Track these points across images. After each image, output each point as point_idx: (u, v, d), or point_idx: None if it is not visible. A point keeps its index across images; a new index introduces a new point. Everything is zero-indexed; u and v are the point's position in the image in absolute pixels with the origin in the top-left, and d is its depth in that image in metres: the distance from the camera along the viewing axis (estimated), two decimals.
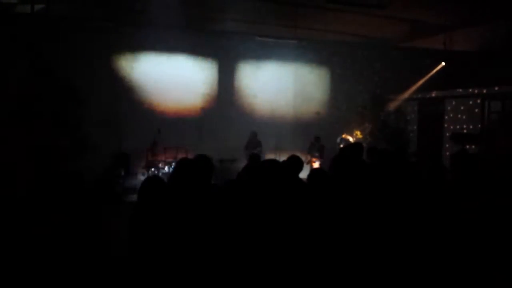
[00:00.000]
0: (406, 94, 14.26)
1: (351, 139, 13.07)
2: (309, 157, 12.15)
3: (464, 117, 12.78)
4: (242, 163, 9.92)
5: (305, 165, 5.25)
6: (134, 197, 9.97)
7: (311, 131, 12.85)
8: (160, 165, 11.76)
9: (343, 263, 3.85)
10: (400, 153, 6.81)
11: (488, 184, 5.13)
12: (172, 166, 10.74)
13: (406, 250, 4.03)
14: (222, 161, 11.54)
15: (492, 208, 4.51)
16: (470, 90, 12.51)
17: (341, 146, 12.82)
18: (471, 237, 4.20)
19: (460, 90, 12.79)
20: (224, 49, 13.03)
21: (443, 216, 4.30)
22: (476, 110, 12.44)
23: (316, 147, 12.39)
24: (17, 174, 8.78)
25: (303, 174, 4.69)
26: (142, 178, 10.75)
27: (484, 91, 12.18)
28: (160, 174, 11.11)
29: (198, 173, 4.08)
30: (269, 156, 11.49)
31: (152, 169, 11.57)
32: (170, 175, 4.23)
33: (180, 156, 11.16)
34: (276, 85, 13.79)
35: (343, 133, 13.21)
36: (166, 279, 3.63)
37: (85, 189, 4.38)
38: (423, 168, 5.47)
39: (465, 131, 12.74)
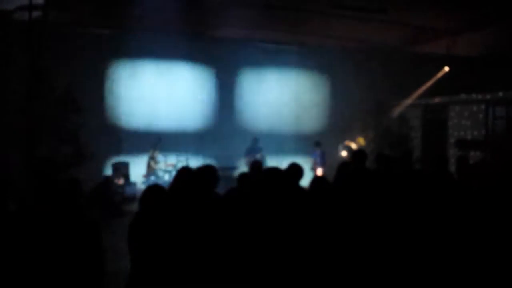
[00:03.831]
0: (409, 100, 14.14)
1: (353, 145, 12.93)
2: (313, 163, 11.99)
3: (468, 123, 12.64)
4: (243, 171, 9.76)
5: (309, 171, 5.15)
6: (133, 206, 9.89)
7: (314, 138, 12.70)
8: (160, 173, 11.65)
9: (344, 269, 3.77)
10: (405, 160, 6.70)
11: (493, 190, 5.05)
12: (172, 175, 10.62)
13: (410, 255, 3.95)
14: (223, 169, 11.40)
15: (497, 214, 4.42)
16: (474, 95, 12.38)
17: (344, 152, 12.68)
18: (476, 242, 4.13)
19: (464, 95, 12.67)
20: (224, 56, 12.91)
21: (449, 222, 4.23)
22: (480, 115, 12.30)
23: (317, 153, 12.21)
24: (15, 183, 8.65)
25: (306, 181, 4.57)
26: (142, 187, 10.62)
27: (488, 96, 12.04)
28: (161, 182, 10.97)
29: (200, 181, 4.02)
30: (271, 162, 11.37)
31: (152, 178, 11.45)
32: (170, 184, 4.17)
33: (180, 164, 11.06)
34: (277, 91, 13.67)
35: (345, 140, 13.07)
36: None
37: (82, 196, 4.30)
38: (429, 174, 5.35)
39: (469, 137, 12.60)
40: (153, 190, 3.79)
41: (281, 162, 10.86)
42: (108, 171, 11.30)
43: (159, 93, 12.54)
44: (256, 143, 12.24)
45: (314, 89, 14.06)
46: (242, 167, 11.17)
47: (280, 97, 13.70)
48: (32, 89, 9.64)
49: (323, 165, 11.85)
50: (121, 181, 10.91)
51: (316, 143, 12.25)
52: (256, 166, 5.45)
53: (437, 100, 13.61)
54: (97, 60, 11.65)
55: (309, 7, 10.02)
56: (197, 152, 11.83)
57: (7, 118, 9.81)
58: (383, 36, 12.35)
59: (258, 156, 11.59)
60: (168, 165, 11.87)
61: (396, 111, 14.42)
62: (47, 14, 9.76)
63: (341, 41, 12.92)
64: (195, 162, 11.36)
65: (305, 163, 10.32)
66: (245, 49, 12.76)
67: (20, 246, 3.59)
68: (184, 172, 4.13)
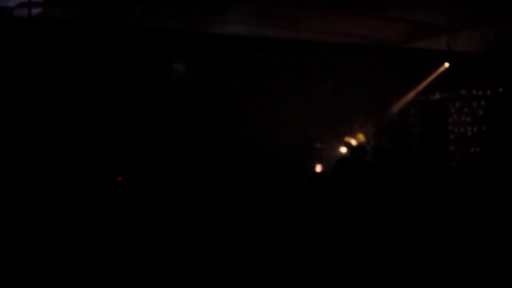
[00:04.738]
0: (409, 96, 14.14)
1: (353, 142, 12.94)
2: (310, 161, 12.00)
3: (468, 119, 12.65)
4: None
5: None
6: None
7: (313, 135, 12.72)
8: None
9: (342, 264, 3.79)
10: (404, 155, 6.72)
11: (494, 186, 5.07)
12: None
13: (408, 252, 3.97)
14: None
15: (498, 210, 4.44)
16: (474, 91, 12.39)
17: (344, 149, 12.69)
18: (476, 239, 4.14)
19: (464, 91, 12.67)
20: (225, 53, 12.89)
21: (449, 217, 4.24)
22: (481, 112, 12.31)
23: (316, 151, 12.23)
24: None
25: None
26: None
27: (489, 92, 12.06)
28: None
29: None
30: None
31: None
32: None
33: None
34: (277, 88, 13.67)
35: (345, 136, 13.08)
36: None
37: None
38: (430, 170, 5.37)
39: (469, 133, 12.61)
40: None
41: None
42: None
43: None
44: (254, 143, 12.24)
45: (313, 86, 14.06)
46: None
47: (281, 95, 13.69)
48: (34, 88, 9.70)
49: (319, 162, 11.88)
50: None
51: (315, 141, 12.33)
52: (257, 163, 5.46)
53: (437, 96, 13.61)
54: (98, 56, 11.64)
55: (308, 4, 10.03)
56: None
57: (8, 117, 9.85)
58: (383, 32, 12.35)
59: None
60: None
61: (396, 107, 14.43)
62: (47, 11, 9.79)
63: (340, 38, 12.91)
64: None
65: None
66: (245, 46, 12.75)
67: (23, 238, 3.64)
68: None
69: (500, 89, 11.73)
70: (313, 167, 11.96)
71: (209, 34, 12.52)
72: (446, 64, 13.44)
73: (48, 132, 10.17)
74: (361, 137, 13.46)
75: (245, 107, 12.97)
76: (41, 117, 10.15)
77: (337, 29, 11.92)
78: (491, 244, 4.15)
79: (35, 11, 9.84)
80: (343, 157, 4.89)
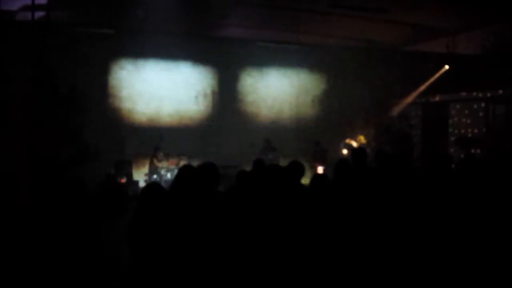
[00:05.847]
0: (409, 98, 14.17)
1: (354, 144, 12.98)
2: (311, 163, 12.05)
3: (468, 121, 12.69)
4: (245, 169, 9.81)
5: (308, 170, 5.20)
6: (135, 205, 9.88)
7: (314, 137, 12.77)
8: (162, 172, 11.72)
9: (343, 267, 3.81)
10: (406, 158, 6.72)
11: (493, 188, 5.08)
12: (175, 173, 10.64)
13: (409, 254, 3.98)
14: (225, 168, 11.47)
15: (497, 213, 4.46)
16: (474, 93, 12.43)
17: (345, 151, 12.74)
18: (476, 242, 4.16)
19: (464, 93, 12.70)
20: (226, 55, 12.98)
21: (449, 220, 4.25)
22: (481, 113, 12.34)
23: (318, 152, 12.30)
24: (19, 182, 8.71)
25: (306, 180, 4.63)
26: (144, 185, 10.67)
27: (488, 94, 12.09)
28: (163, 181, 11.03)
29: (201, 180, 4.04)
30: (283, 162, 11.44)
31: (154, 176, 11.51)
32: (172, 182, 4.18)
33: (183, 163, 11.12)
34: (278, 90, 13.74)
35: (346, 138, 13.13)
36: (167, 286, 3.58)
37: (86, 196, 4.35)
38: (431, 172, 5.37)
39: (469, 135, 12.64)
40: (151, 188, 3.82)
41: (282, 163, 11.01)
42: (111, 170, 11.37)
43: (162, 92, 12.63)
44: (269, 143, 12.32)
45: (315, 88, 14.12)
46: (245, 166, 11.21)
47: (281, 96, 13.77)
48: (36, 89, 9.72)
49: (323, 163, 11.96)
50: (123, 180, 10.96)
51: (316, 143, 12.37)
52: (259, 164, 5.49)
53: (437, 98, 13.65)
54: (100, 59, 11.72)
55: (309, 7, 10.09)
56: (199, 150, 11.88)
57: (11, 118, 9.89)
58: (384, 34, 12.41)
59: (270, 156, 11.64)
60: (171, 164, 11.93)
61: (397, 109, 14.47)
62: (50, 14, 9.83)
63: (341, 40, 12.97)
64: (197, 160, 11.43)
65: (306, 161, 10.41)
66: (247, 49, 12.83)
67: (22, 242, 3.65)
68: (185, 170, 4.16)
69: (500, 91, 11.76)
70: (315, 168, 12.03)
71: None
72: (446, 66, 13.48)
73: (50, 134, 10.22)
74: (362, 139, 13.51)
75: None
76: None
77: (338, 32, 11.98)
78: (492, 246, 4.18)
79: (38, 14, 9.88)
80: (343, 159, 4.91)
